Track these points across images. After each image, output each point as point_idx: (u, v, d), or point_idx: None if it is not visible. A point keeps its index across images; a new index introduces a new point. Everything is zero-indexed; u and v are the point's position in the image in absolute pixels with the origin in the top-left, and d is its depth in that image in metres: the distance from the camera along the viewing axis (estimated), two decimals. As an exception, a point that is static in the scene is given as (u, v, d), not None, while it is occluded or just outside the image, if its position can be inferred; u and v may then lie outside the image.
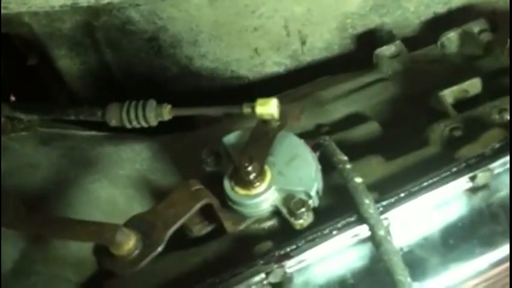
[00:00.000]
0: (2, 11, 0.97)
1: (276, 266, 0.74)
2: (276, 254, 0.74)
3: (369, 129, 0.93)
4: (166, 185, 0.93)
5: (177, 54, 1.18)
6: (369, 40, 1.18)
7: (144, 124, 0.86)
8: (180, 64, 1.20)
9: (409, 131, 0.92)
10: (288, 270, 0.76)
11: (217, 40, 1.17)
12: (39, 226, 0.70)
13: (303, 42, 1.18)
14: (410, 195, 0.76)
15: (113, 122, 0.85)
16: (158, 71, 1.21)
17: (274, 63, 1.21)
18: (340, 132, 0.92)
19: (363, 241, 0.76)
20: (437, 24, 1.19)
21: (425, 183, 0.77)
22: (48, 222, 0.70)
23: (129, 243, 0.69)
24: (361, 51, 1.19)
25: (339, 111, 0.99)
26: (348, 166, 0.78)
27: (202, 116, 1.09)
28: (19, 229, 0.73)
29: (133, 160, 0.96)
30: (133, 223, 0.72)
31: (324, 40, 1.17)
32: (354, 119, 0.97)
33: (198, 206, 0.74)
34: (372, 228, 0.73)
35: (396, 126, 0.95)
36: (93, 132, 1.00)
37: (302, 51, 1.18)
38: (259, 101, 0.81)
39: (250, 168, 0.78)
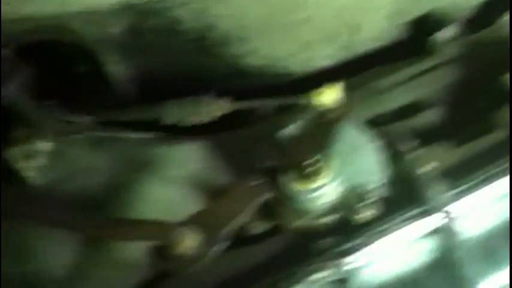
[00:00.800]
0: (44, 13, 0.98)
1: (337, 262, 0.71)
2: (338, 249, 0.71)
3: (432, 116, 0.88)
4: (221, 183, 0.90)
5: (226, 52, 1.16)
6: (423, 26, 1.13)
7: (203, 119, 0.84)
8: (228, 63, 1.18)
9: (474, 116, 0.87)
10: (351, 266, 0.72)
11: (266, 35, 1.14)
12: (98, 228, 0.68)
13: (354, 33, 1.14)
14: (479, 184, 0.72)
15: (170, 119, 0.84)
16: (206, 71, 1.20)
17: (325, 57, 1.17)
18: (401, 121, 0.88)
19: (432, 233, 0.72)
20: (495, 5, 1.13)
21: (497, 169, 0.72)
22: (107, 223, 0.69)
23: (189, 241, 0.68)
24: (415, 38, 1.15)
25: (397, 99, 0.95)
26: (416, 153, 0.73)
27: (254, 114, 1.07)
28: (77, 231, 0.72)
29: (187, 160, 0.94)
30: (193, 221, 0.70)
31: (375, 29, 1.13)
32: (415, 107, 0.93)
33: (258, 201, 0.71)
34: (443, 218, 0.69)
35: (460, 112, 0.90)
36: (145, 134, 0.99)
37: (353, 41, 1.15)
38: (318, 91, 0.78)
39: (309, 162, 0.74)
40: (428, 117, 0.89)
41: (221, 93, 0.92)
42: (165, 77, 1.19)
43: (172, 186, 0.92)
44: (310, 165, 0.75)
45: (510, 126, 0.77)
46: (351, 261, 0.72)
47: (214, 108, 0.85)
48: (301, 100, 0.79)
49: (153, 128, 0.97)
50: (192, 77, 1.19)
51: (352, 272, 0.72)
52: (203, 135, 0.97)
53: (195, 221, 0.70)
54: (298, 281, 0.70)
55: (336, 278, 0.71)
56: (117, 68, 1.22)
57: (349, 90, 1.00)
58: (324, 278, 0.71)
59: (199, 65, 1.20)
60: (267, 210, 0.79)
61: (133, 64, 1.20)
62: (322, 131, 0.78)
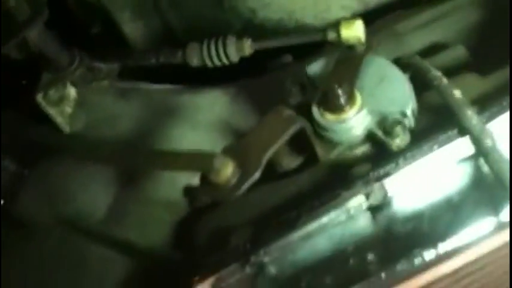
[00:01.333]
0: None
1: (376, 186, 0.71)
2: (375, 173, 0.71)
3: (456, 53, 0.88)
4: (248, 126, 0.91)
5: (240, 6, 1.16)
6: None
7: (225, 61, 0.84)
8: (243, 17, 1.17)
9: (499, 53, 0.88)
10: (387, 192, 0.73)
11: (280, -12, 1.15)
12: (137, 159, 0.69)
13: (370, -20, 1.14)
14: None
15: (194, 62, 0.84)
16: (221, 27, 1.19)
17: (340, 8, 1.16)
18: (425, 59, 0.88)
19: (466, 157, 0.73)
20: None
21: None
22: (146, 154, 0.69)
23: (227, 170, 0.68)
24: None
25: (419, 41, 0.95)
26: (445, 81, 0.74)
27: (272, 64, 1.07)
28: (117, 163, 0.73)
29: (212, 105, 0.95)
30: (229, 150, 0.70)
31: (393, -25, 1.13)
32: (436, 48, 0.93)
33: (292, 129, 0.71)
34: (477, 139, 0.69)
35: (484, 49, 0.91)
36: (167, 86, 0.99)
37: (370, -11, 1.14)
38: (344, 24, 0.78)
39: (340, 91, 0.75)
40: (453, 55, 0.89)
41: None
42: (182, 33, 1.19)
43: (199, 131, 0.92)
44: (340, 96, 0.75)
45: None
46: (385, 186, 0.72)
47: (238, 47, 0.85)
48: (329, 35, 0.79)
49: (176, 79, 0.97)
50: (208, 33, 1.19)
51: (387, 198, 0.72)
52: (227, 82, 0.97)
53: (231, 151, 0.70)
54: (337, 206, 0.71)
55: (376, 202, 0.71)
56: (131, 27, 1.22)
57: (371, 33, 1.02)
58: (363, 202, 0.71)
59: (215, 20, 1.19)
60: (298, 146, 0.79)
61: (148, 21, 1.21)
62: (351, 64, 0.79)
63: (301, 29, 1.23)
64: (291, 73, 0.95)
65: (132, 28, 1.20)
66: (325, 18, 1.21)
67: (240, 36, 1.18)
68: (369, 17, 1.15)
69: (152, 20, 1.18)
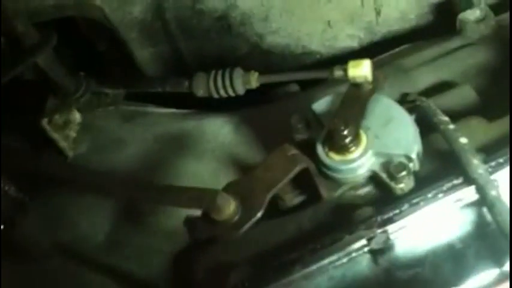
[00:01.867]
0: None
1: (379, 231, 0.71)
2: (379, 218, 0.71)
3: (462, 93, 0.88)
4: (250, 157, 0.91)
5: (248, 31, 1.16)
6: (446, 8, 1.13)
7: (231, 93, 0.84)
8: (250, 42, 1.18)
9: (504, 93, 0.87)
10: (389, 237, 0.72)
11: (288, 14, 1.15)
12: (140, 192, 0.68)
13: (378, 13, 1.14)
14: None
15: (201, 92, 0.84)
16: (228, 50, 1.19)
17: (347, 36, 1.17)
18: (430, 98, 0.88)
19: (470, 205, 0.72)
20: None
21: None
22: (149, 188, 0.69)
23: (229, 208, 0.68)
24: (438, 20, 1.15)
25: (425, 78, 0.95)
26: (451, 126, 0.73)
27: (278, 92, 1.07)
28: (118, 196, 0.72)
29: (216, 134, 0.94)
30: (232, 188, 0.70)
31: (400, 9, 1.13)
32: (443, 86, 0.93)
33: (296, 170, 0.71)
34: (482, 189, 0.69)
35: (490, 90, 0.90)
36: (173, 110, 0.99)
37: (377, 22, 1.14)
38: (352, 63, 0.78)
39: (345, 132, 0.74)
40: (459, 95, 0.89)
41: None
42: (190, 56, 1.20)
43: (201, 160, 0.92)
44: (346, 136, 0.75)
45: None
46: (388, 232, 0.71)
47: (244, 80, 0.85)
48: (336, 73, 0.79)
49: (182, 103, 0.97)
50: (215, 56, 1.19)
51: (389, 242, 0.72)
52: (233, 110, 0.97)
53: (234, 189, 0.70)
54: (339, 249, 0.70)
55: (378, 246, 0.71)
56: (138, 46, 1.22)
57: (377, 68, 1.02)
58: (365, 246, 0.71)
59: (222, 44, 1.19)
60: (301, 183, 0.79)
61: (156, 43, 1.21)
62: (357, 103, 0.78)
63: (308, 55, 1.24)
64: (297, 104, 0.96)
65: (138, 47, 1.20)
66: (332, 46, 1.22)
67: (247, 62, 1.19)
68: (376, 48, 1.16)
69: (160, 42, 1.19)
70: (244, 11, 1.13)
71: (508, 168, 0.71)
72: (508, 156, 0.72)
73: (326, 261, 0.71)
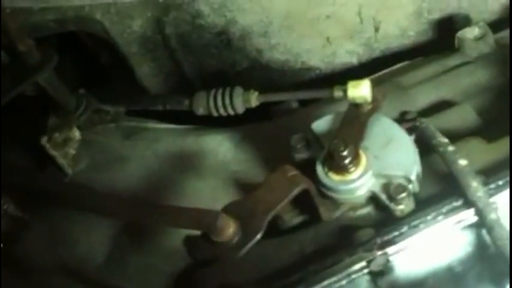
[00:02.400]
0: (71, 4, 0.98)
1: (378, 253, 0.71)
2: (379, 240, 0.71)
3: (461, 113, 0.89)
4: (250, 174, 0.91)
5: (247, 47, 1.17)
6: (446, 25, 1.13)
7: (231, 112, 0.84)
8: (250, 57, 1.18)
9: (504, 112, 0.88)
10: (388, 259, 0.72)
11: (288, 30, 1.15)
12: (139, 213, 0.68)
13: (377, 29, 1.15)
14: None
15: (201, 111, 0.84)
16: (228, 65, 1.20)
17: (346, 52, 1.18)
18: (430, 117, 0.88)
19: (469, 227, 0.72)
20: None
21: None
22: (148, 209, 0.69)
23: (229, 230, 0.67)
24: (437, 37, 1.15)
25: (424, 96, 0.96)
26: (450, 148, 0.74)
27: (277, 108, 1.07)
28: (119, 218, 0.72)
29: (216, 151, 0.95)
30: (232, 209, 0.70)
31: (399, 26, 1.14)
32: (442, 104, 0.93)
33: (296, 191, 0.71)
34: (481, 212, 0.69)
35: (489, 109, 0.91)
36: (173, 126, 0.99)
37: (376, 38, 1.15)
38: (351, 83, 0.78)
39: (345, 152, 0.74)
40: (458, 114, 0.89)
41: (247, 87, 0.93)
42: (190, 70, 1.20)
43: (201, 177, 0.92)
44: (345, 157, 0.75)
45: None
46: (388, 254, 0.71)
47: (244, 99, 0.86)
48: (335, 93, 0.79)
49: (182, 119, 0.97)
50: (216, 70, 1.20)
51: (389, 264, 0.72)
52: (233, 126, 0.97)
53: (234, 210, 0.70)
54: (339, 271, 0.70)
55: (377, 268, 0.71)
56: (138, 60, 1.23)
57: (375, 85, 1.02)
58: (364, 267, 0.71)
59: (222, 59, 1.20)
60: (300, 203, 0.79)
61: (155, 57, 1.21)
62: (357, 123, 0.79)
63: (307, 71, 1.24)
64: (297, 120, 0.96)
65: (139, 61, 1.20)
66: (331, 62, 1.22)
67: (246, 77, 1.19)
68: (375, 65, 1.17)
69: (160, 56, 1.19)
70: (244, 26, 1.14)
71: (507, 191, 0.71)
72: (508, 178, 0.72)
73: (326, 282, 0.71)
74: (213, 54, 1.17)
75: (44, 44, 0.86)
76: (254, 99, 0.85)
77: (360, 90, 0.78)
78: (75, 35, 1.16)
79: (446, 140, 0.75)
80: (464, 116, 0.88)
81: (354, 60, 1.18)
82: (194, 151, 0.94)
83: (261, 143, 0.95)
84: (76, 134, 0.89)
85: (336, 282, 0.71)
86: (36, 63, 0.81)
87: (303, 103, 1.08)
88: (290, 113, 1.01)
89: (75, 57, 1.16)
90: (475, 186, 0.70)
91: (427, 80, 0.98)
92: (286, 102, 1.05)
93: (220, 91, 0.87)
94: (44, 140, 0.86)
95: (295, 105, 1.06)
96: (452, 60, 1.00)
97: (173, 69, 1.18)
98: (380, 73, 1.06)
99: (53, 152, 0.86)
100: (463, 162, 0.72)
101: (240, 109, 0.85)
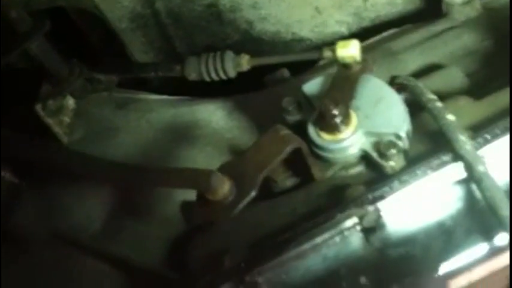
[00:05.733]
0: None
1: (370, 208, 0.72)
2: (369, 196, 0.72)
3: (450, 74, 0.90)
4: (243, 142, 0.92)
5: (237, 19, 1.17)
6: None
7: (223, 76, 0.84)
8: (240, 30, 1.19)
9: (491, 74, 0.89)
10: (380, 214, 0.73)
11: (277, 1, 1.15)
12: (135, 176, 0.69)
13: (366, -2, 1.15)
14: (506, 130, 0.73)
15: (193, 76, 0.85)
16: (219, 38, 1.20)
17: (336, 22, 1.18)
18: (419, 79, 0.89)
19: (458, 181, 0.74)
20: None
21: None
22: (143, 171, 0.70)
23: (223, 188, 0.68)
24: (425, 4, 1.16)
25: (413, 61, 0.97)
26: (439, 104, 0.75)
27: (270, 78, 1.08)
28: (112, 180, 0.73)
29: (209, 120, 0.95)
30: (226, 169, 0.71)
31: (388, -7, 1.15)
32: (431, 68, 0.94)
33: (288, 149, 0.72)
34: (469, 165, 0.70)
35: (476, 71, 0.92)
36: (166, 96, 1.00)
37: (365, 7, 1.15)
38: (340, 43, 0.79)
39: (335, 112, 0.75)
40: (447, 76, 0.90)
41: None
42: (181, 44, 1.20)
43: (195, 145, 0.93)
44: (336, 116, 0.76)
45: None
46: (379, 210, 0.72)
47: (235, 63, 0.86)
48: (325, 53, 0.80)
49: (175, 89, 0.98)
50: (207, 44, 1.20)
51: (381, 220, 0.73)
52: (225, 96, 0.98)
53: (228, 169, 0.71)
54: (331, 228, 0.71)
55: (369, 225, 0.72)
56: (129, 36, 1.23)
57: (363, 52, 1.03)
58: (357, 224, 0.72)
59: (213, 32, 1.20)
60: (293, 165, 0.80)
61: (145, 32, 1.21)
62: (347, 83, 0.79)
63: (298, 42, 1.25)
64: (288, 88, 0.97)
65: (129, 37, 1.21)
66: (321, 32, 1.23)
67: (237, 50, 1.19)
68: (365, 34, 1.17)
69: (151, 31, 1.19)
70: (234, -3, 1.14)
71: (496, 143, 0.72)
72: (494, 132, 0.73)
73: (319, 239, 0.72)
74: (204, 28, 1.18)
75: (35, 12, 0.86)
76: (245, 63, 0.85)
77: (349, 49, 0.79)
78: (65, 12, 1.16)
79: (434, 97, 0.76)
80: (452, 77, 0.89)
81: (344, 30, 1.18)
82: (187, 120, 0.94)
83: (254, 111, 0.95)
84: (70, 101, 0.90)
85: (328, 239, 0.72)
86: (27, 30, 0.81)
87: (294, 73, 1.09)
88: (281, 82, 1.01)
89: (66, 35, 1.16)
90: (463, 140, 0.71)
91: (416, 45, 0.99)
92: (279, 71, 1.06)
93: (211, 55, 0.87)
94: (38, 107, 0.86)
95: (287, 74, 1.06)
96: (440, 25, 1.01)
97: (164, 44, 1.19)
98: (370, 40, 1.06)
99: (48, 120, 0.87)
100: (451, 117, 0.73)
101: (232, 73, 0.86)
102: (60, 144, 0.88)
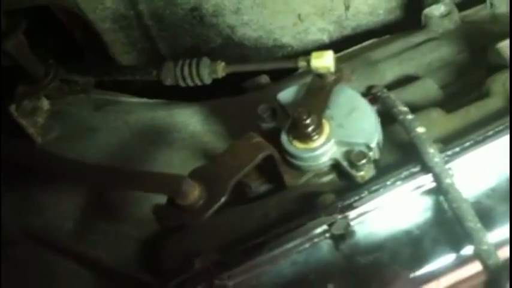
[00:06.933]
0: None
1: (339, 216, 0.73)
2: (339, 205, 0.73)
3: (424, 86, 0.91)
4: (219, 146, 0.92)
5: (220, 23, 1.18)
6: (414, 3, 1.16)
7: (198, 82, 0.85)
8: (223, 34, 1.20)
9: (465, 86, 0.91)
10: (351, 222, 0.75)
11: (260, 7, 1.16)
12: (106, 178, 0.70)
13: (347, 7, 1.16)
14: (475, 144, 0.75)
15: (168, 81, 0.85)
16: (201, 42, 1.21)
17: (317, 30, 1.20)
18: (394, 90, 0.90)
19: (427, 192, 0.75)
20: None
21: (490, 132, 0.75)
22: (115, 174, 0.70)
23: (194, 193, 0.69)
24: (406, 15, 1.18)
25: (390, 71, 0.98)
26: (410, 116, 0.76)
27: (248, 84, 1.09)
28: (84, 182, 0.73)
29: (186, 123, 0.96)
30: (197, 174, 0.71)
31: (368, 4, 1.16)
32: (407, 78, 0.96)
33: (260, 156, 0.73)
34: (437, 177, 0.72)
35: (451, 83, 0.93)
36: (144, 99, 1.00)
37: (346, 16, 1.17)
38: (315, 54, 0.80)
39: (308, 121, 0.77)
40: (421, 87, 0.92)
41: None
42: (164, 47, 1.21)
43: (172, 148, 0.93)
44: (309, 125, 0.77)
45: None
46: (354, 217, 0.74)
47: (211, 69, 0.87)
48: (300, 63, 0.81)
49: (152, 93, 0.98)
50: (189, 47, 1.21)
51: (349, 229, 0.74)
52: (201, 101, 0.99)
53: (199, 175, 0.72)
54: (301, 234, 0.72)
55: (338, 232, 0.73)
56: (112, 37, 1.23)
57: (342, 61, 1.04)
58: (326, 231, 0.73)
59: (195, 35, 1.21)
60: (267, 171, 0.81)
61: (128, 33, 1.21)
62: (321, 93, 0.81)
63: (279, 48, 1.26)
64: (266, 95, 0.98)
65: (112, 37, 1.21)
66: (303, 39, 1.24)
67: (220, 54, 1.20)
68: (346, 42, 1.19)
69: (133, 33, 1.19)
70: (216, 2, 1.14)
71: (465, 156, 0.74)
72: (463, 145, 0.75)
73: (289, 245, 0.73)
74: (187, 31, 1.18)
75: (12, 12, 0.86)
76: (220, 70, 0.86)
77: (323, 60, 0.80)
78: (49, 11, 1.16)
79: (405, 109, 0.78)
80: (426, 89, 0.91)
81: (325, 38, 1.20)
82: (165, 123, 0.95)
83: (230, 116, 0.96)
84: (45, 103, 0.90)
85: (298, 245, 0.73)
86: (3, 30, 0.81)
87: (274, 79, 1.10)
88: (259, 88, 1.02)
89: (50, 35, 1.16)
90: (432, 153, 0.73)
91: (395, 55, 1.01)
92: (257, 78, 1.07)
93: (187, 61, 0.88)
94: (12, 108, 0.86)
95: (267, 80, 1.07)
96: (419, 37, 1.02)
97: (147, 45, 1.19)
98: (350, 49, 1.07)
99: (21, 121, 0.87)
100: (421, 129, 0.75)
101: (207, 80, 0.86)
102: (34, 144, 0.88)
